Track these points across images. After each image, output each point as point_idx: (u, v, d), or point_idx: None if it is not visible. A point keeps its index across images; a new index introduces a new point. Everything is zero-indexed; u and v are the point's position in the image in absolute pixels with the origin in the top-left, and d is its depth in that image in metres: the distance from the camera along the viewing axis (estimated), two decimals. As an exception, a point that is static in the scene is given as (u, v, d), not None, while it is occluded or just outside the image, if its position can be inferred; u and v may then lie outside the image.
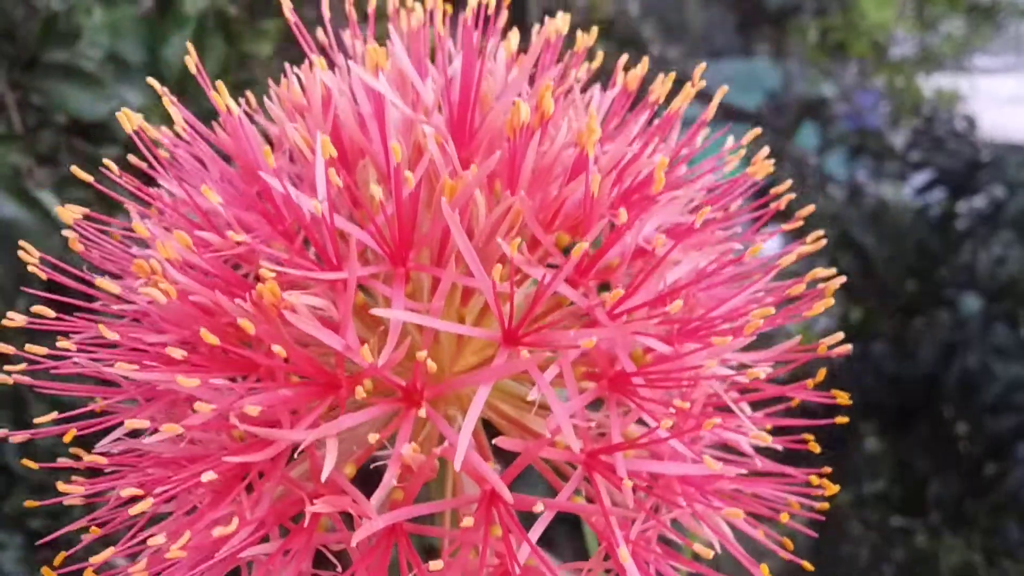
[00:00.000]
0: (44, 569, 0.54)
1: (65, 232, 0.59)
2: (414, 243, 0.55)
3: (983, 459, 3.12)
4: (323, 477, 0.49)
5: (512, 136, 0.55)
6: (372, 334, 0.53)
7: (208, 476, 0.48)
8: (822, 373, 0.63)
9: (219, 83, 0.58)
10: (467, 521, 0.51)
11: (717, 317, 0.59)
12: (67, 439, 0.55)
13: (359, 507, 0.51)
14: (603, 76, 0.71)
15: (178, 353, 0.49)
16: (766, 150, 0.68)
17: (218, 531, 0.48)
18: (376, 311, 0.51)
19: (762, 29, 4.44)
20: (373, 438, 0.51)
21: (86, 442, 0.57)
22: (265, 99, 0.62)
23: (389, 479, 0.50)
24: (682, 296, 0.56)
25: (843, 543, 3.41)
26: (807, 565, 0.64)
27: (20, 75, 1.60)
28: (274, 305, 0.50)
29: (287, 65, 0.62)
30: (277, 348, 0.50)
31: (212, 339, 0.48)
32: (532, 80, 0.65)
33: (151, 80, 0.63)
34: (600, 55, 0.70)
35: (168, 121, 0.61)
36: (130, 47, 1.70)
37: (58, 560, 0.56)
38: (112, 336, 0.52)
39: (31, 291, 0.59)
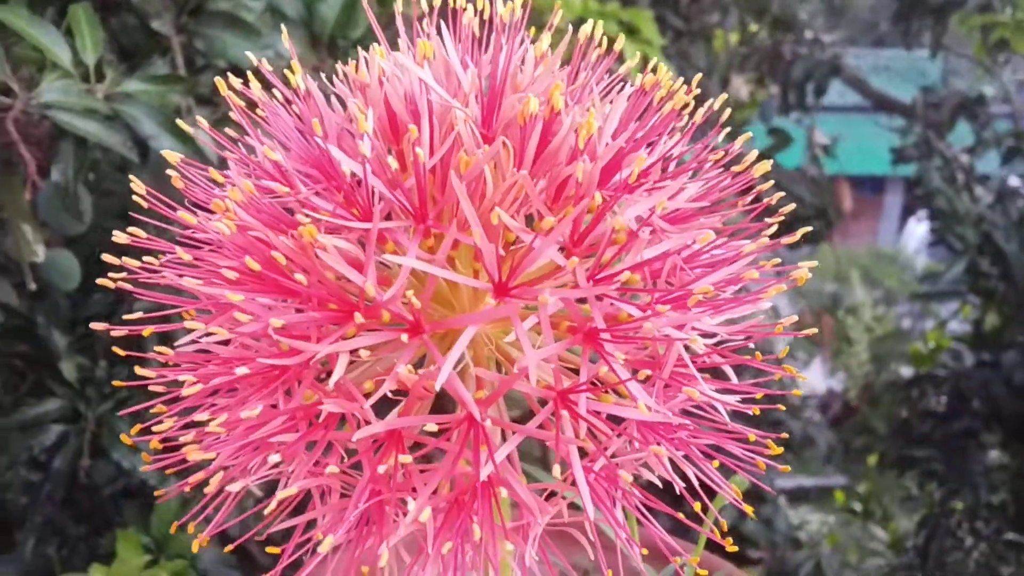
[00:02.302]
0: (122, 436, 0.70)
1: (169, 171, 0.74)
2: (436, 206, 0.67)
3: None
4: (331, 383, 0.61)
5: (523, 124, 0.67)
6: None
7: (242, 370, 0.61)
8: (784, 351, 0.73)
9: (293, 63, 0.72)
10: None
11: (691, 291, 0.69)
12: (146, 333, 0.70)
13: (363, 412, 0.64)
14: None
15: (232, 275, 0.63)
16: (755, 154, 0.76)
17: (245, 413, 0.62)
18: (388, 257, 0.63)
19: (923, 20, 4.33)
20: (384, 364, 0.65)
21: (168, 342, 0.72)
22: (334, 77, 0.75)
23: (383, 391, 0.63)
24: (653, 269, 0.67)
25: (953, 551, 3.41)
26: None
27: (187, 20, 1.76)
28: (311, 244, 0.63)
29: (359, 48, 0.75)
30: (309, 278, 0.63)
31: (254, 265, 0.62)
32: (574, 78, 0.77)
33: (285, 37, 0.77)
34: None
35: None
36: (289, 1, 1.86)
37: (134, 431, 0.71)
38: (187, 257, 0.67)
39: (139, 217, 0.73)
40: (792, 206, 0.75)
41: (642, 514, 0.72)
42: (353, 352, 0.64)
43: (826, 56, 4.11)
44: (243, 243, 0.65)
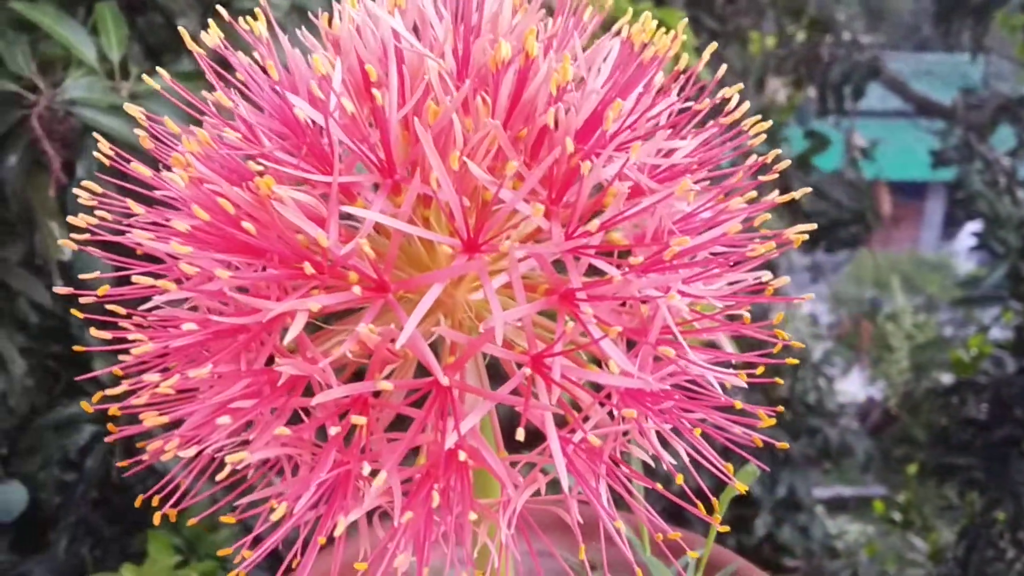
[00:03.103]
0: (83, 404, 0.68)
1: (137, 130, 0.71)
2: (405, 161, 0.63)
3: None
4: (286, 339, 0.58)
5: (495, 71, 0.63)
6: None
7: (188, 326, 0.58)
8: (780, 316, 0.68)
9: (257, 10, 0.69)
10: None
11: (678, 253, 0.64)
12: (101, 292, 0.66)
13: (324, 375, 0.60)
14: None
15: (182, 226, 0.59)
16: (747, 105, 0.71)
17: (193, 372, 0.58)
18: (348, 208, 0.60)
19: (964, 21, 4.25)
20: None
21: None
22: (304, 30, 0.72)
23: (342, 351, 0.59)
24: (630, 227, 0.63)
25: (995, 561, 3.33)
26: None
27: (212, 17, 1.75)
28: (267, 196, 0.59)
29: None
30: (268, 233, 0.60)
31: (202, 215, 0.58)
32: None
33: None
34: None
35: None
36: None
37: (95, 398, 0.68)
38: (139, 210, 0.64)
39: (105, 177, 0.71)
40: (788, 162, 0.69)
41: (628, 491, 0.68)
42: (319, 316, 0.61)
43: (864, 58, 4.04)
44: (198, 197, 0.62)
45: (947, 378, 4.12)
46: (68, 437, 1.75)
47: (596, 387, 0.64)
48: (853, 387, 5.20)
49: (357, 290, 0.58)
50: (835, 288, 6.47)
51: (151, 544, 1.73)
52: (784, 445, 0.70)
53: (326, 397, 0.60)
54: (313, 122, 0.64)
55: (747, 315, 0.67)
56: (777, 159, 0.69)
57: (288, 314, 0.60)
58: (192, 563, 1.75)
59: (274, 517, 0.60)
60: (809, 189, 0.73)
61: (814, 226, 0.68)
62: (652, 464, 0.67)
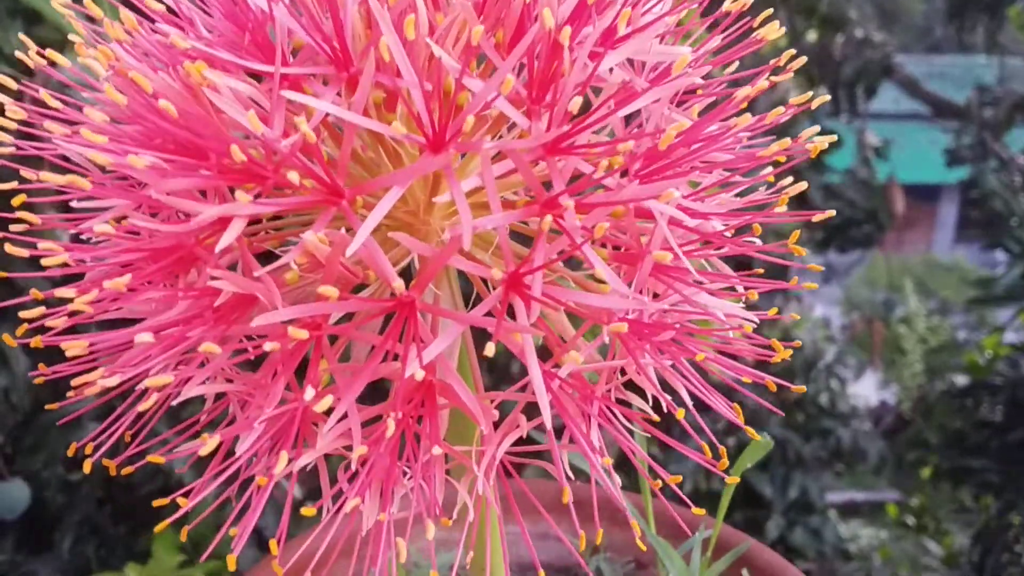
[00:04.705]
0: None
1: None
2: (362, 54, 0.55)
3: None
4: (218, 247, 0.49)
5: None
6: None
7: (101, 227, 0.49)
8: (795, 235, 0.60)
9: None
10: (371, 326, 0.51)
11: (678, 160, 0.56)
12: (16, 202, 0.58)
13: (269, 293, 0.52)
14: None
15: (99, 117, 0.51)
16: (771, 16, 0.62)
17: (108, 284, 0.49)
18: (294, 95, 0.51)
19: (976, 19, 4.18)
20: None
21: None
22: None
23: (286, 260, 0.51)
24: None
25: (1010, 566, 3.25)
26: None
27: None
28: (199, 84, 0.51)
29: None
30: (203, 129, 0.51)
31: (117, 97, 0.50)
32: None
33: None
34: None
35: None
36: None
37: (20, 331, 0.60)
38: (54, 104, 0.55)
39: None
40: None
41: (624, 437, 0.59)
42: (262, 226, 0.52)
43: (877, 56, 3.97)
44: (121, 87, 0.53)
45: (961, 380, 4.05)
46: (73, 434, 1.69)
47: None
48: (866, 391, 5.09)
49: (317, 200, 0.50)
50: (848, 291, 6.37)
51: (155, 543, 1.72)
52: (801, 388, 0.61)
53: (270, 318, 0.51)
54: (259, 11, 0.55)
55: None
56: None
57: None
58: (196, 562, 1.71)
59: (203, 452, 0.51)
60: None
61: (833, 137, 0.59)
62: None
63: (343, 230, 0.53)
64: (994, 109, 4.00)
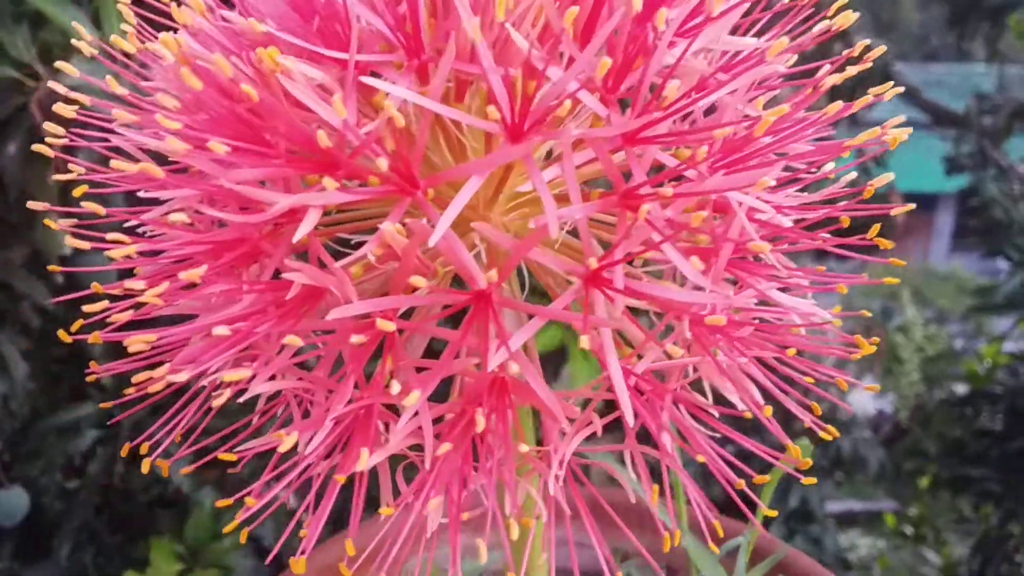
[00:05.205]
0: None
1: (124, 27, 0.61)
2: (436, 39, 0.53)
3: None
4: (295, 237, 0.48)
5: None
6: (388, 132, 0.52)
7: (177, 216, 0.48)
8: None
9: None
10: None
11: (759, 150, 0.54)
12: (77, 193, 0.56)
13: (343, 287, 0.50)
14: None
15: (171, 104, 0.49)
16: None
17: (185, 274, 0.48)
18: (370, 80, 0.49)
19: (977, 27, 4.18)
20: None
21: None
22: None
23: (363, 252, 0.49)
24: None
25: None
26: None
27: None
28: (271, 71, 0.49)
29: None
30: (276, 119, 0.49)
31: (194, 83, 0.48)
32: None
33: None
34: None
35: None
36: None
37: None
38: (120, 90, 0.53)
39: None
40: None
41: (682, 439, 0.57)
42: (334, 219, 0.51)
43: (876, 63, 3.96)
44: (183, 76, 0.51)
45: (961, 389, 4.04)
46: (70, 442, 1.71)
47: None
48: (863, 400, 5.08)
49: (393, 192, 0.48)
50: (846, 299, 6.35)
51: (153, 551, 1.71)
52: (834, 432, 0.59)
53: (345, 312, 0.49)
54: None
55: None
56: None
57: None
58: (195, 571, 1.72)
59: (282, 448, 0.49)
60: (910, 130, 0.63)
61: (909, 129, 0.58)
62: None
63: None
64: (993, 117, 4.00)
